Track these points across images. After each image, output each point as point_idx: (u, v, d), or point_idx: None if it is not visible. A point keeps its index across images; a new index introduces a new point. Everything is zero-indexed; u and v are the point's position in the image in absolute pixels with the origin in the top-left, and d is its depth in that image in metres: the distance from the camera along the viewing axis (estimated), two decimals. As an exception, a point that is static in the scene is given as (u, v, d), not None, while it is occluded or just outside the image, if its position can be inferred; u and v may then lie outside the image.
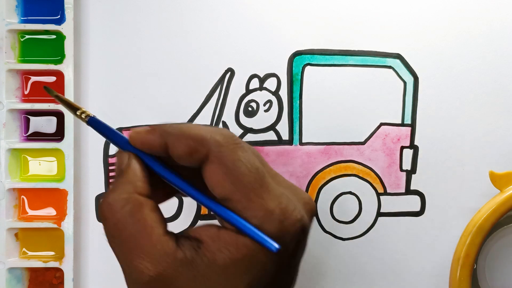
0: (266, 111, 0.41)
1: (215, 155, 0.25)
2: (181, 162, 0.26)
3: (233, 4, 0.40)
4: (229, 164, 0.25)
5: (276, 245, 0.24)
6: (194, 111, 0.40)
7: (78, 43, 0.39)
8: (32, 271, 0.40)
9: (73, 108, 0.30)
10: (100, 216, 0.26)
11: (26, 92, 0.40)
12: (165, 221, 0.26)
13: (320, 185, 0.41)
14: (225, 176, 0.25)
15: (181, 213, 0.40)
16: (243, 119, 0.40)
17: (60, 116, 0.40)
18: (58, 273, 0.40)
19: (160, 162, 0.28)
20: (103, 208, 0.26)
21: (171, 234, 0.25)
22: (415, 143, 0.41)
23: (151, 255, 0.24)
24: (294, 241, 0.25)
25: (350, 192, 0.41)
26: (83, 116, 0.30)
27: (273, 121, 0.41)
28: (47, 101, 0.39)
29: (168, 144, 0.26)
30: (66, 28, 0.39)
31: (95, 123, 0.29)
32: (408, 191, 0.41)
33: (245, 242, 0.24)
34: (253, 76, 0.40)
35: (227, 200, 0.25)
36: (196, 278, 0.24)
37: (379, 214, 0.41)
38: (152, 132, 0.27)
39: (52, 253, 0.40)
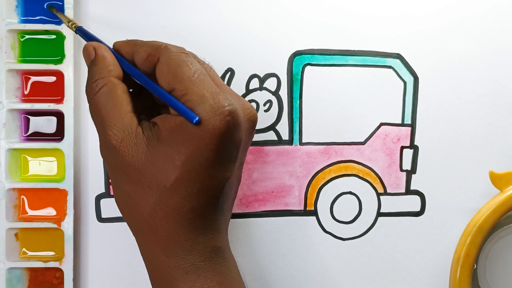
0: (266, 111, 0.41)
1: (164, 57, 0.31)
2: (141, 66, 0.32)
3: (233, 4, 0.40)
4: (173, 64, 0.31)
5: (196, 118, 0.29)
6: (194, 111, 0.40)
7: (78, 43, 0.39)
8: (32, 271, 0.40)
9: (68, 20, 0.37)
10: (87, 97, 0.33)
11: (26, 92, 0.40)
12: (132, 103, 0.32)
13: (320, 185, 0.41)
14: (169, 71, 0.31)
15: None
16: (243, 119, 0.40)
17: (60, 116, 0.40)
18: (58, 273, 0.40)
19: (123, 58, 0.33)
20: (87, 91, 0.32)
21: (136, 114, 0.32)
22: (415, 143, 0.41)
23: (118, 125, 0.31)
24: (224, 122, 0.30)
25: (350, 192, 0.41)
26: (72, 26, 0.37)
27: (273, 121, 0.41)
28: (47, 101, 0.39)
29: (134, 52, 0.33)
30: (66, 28, 0.39)
31: (81, 32, 0.36)
32: (408, 191, 0.41)
33: (182, 120, 0.30)
34: (253, 76, 0.40)
35: (172, 90, 0.31)
36: (148, 148, 0.30)
37: (379, 214, 0.41)
38: (126, 43, 0.34)
39: (52, 253, 0.40)
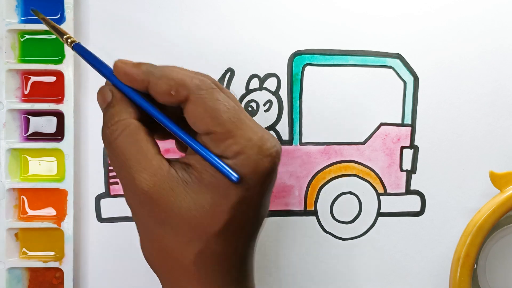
0: (266, 111, 0.41)
1: (196, 96, 0.28)
2: (160, 99, 0.29)
3: (233, 4, 0.40)
4: (209, 103, 0.28)
5: (237, 176, 0.27)
6: (194, 111, 0.40)
7: (78, 43, 0.39)
8: (32, 271, 0.40)
9: (60, 33, 0.32)
10: (104, 141, 0.29)
11: (26, 92, 0.40)
12: (157, 145, 0.29)
13: (320, 185, 0.41)
14: (206, 113, 0.28)
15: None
16: (243, 119, 0.40)
17: (60, 116, 0.40)
18: (58, 273, 0.40)
19: (142, 95, 0.30)
20: (105, 135, 0.29)
21: (163, 156, 0.29)
22: (415, 143, 0.41)
23: (148, 169, 0.28)
24: (272, 163, 0.28)
25: (350, 192, 0.41)
26: (68, 41, 0.32)
27: (273, 121, 0.41)
28: (47, 101, 0.39)
29: (150, 82, 0.29)
30: (66, 28, 0.38)
31: (80, 49, 0.31)
32: (408, 191, 0.41)
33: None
34: (253, 76, 0.40)
35: (209, 133, 0.28)
36: (188, 192, 0.28)
37: (379, 214, 0.41)
38: (138, 67, 0.29)
39: (52, 253, 0.40)
